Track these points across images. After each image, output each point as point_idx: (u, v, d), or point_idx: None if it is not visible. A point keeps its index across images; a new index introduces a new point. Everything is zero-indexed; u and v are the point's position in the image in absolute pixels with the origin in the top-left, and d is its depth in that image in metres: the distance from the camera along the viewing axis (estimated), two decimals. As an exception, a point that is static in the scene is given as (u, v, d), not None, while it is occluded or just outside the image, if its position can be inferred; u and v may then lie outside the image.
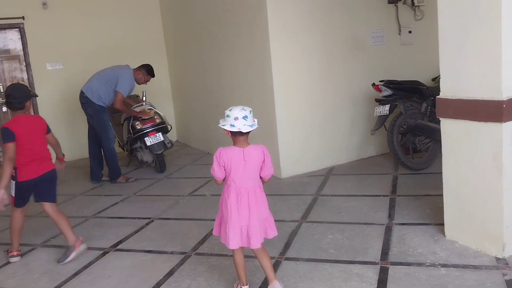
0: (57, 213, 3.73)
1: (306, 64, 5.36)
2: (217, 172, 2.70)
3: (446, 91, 3.19)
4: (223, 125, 2.64)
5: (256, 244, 2.67)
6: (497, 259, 2.99)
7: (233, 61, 5.99)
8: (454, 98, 3.12)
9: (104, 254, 3.73)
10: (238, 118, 2.60)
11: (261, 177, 2.77)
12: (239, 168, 2.65)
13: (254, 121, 2.66)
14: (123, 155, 6.90)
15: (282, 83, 5.21)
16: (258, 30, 5.26)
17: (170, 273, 3.27)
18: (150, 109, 6.19)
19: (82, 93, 5.80)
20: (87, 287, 3.19)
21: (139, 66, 5.97)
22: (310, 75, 5.40)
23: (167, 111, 7.77)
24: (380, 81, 5.10)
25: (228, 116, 2.62)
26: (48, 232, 4.32)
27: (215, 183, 2.81)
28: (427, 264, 3.04)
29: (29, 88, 4.29)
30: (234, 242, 2.66)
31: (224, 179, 2.74)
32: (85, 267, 3.52)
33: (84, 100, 5.79)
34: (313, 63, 5.40)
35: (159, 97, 7.83)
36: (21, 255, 3.81)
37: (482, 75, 2.95)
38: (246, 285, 2.84)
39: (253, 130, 2.64)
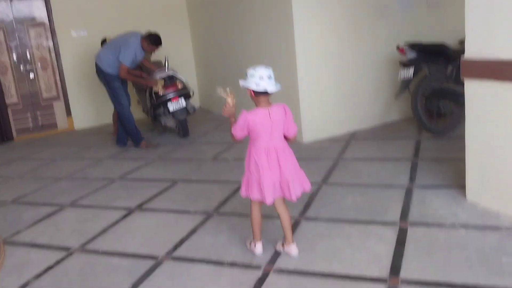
0: None
1: (330, 28, 5.27)
2: (239, 132, 2.70)
3: (472, 51, 3.12)
4: (248, 85, 2.60)
5: (291, 195, 2.72)
6: (518, 220, 2.98)
7: (256, 25, 5.93)
8: (479, 58, 3.05)
9: (129, 213, 3.85)
10: (263, 78, 2.57)
11: (286, 137, 2.78)
12: (266, 129, 2.65)
13: (277, 82, 2.63)
14: (148, 121, 7.00)
15: (305, 47, 5.15)
16: (281, -7, 5.19)
17: (192, 231, 3.37)
18: (172, 75, 6.22)
19: (95, 62, 5.85)
20: (113, 244, 3.32)
21: (145, 35, 5.72)
22: (334, 39, 5.32)
23: (190, 77, 7.81)
24: (405, 43, 4.99)
25: (252, 75, 2.58)
26: (75, 193, 4.47)
27: (233, 141, 2.81)
28: (447, 225, 3.05)
29: None
30: (269, 197, 2.70)
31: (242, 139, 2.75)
32: (111, 225, 3.65)
33: (96, 68, 5.83)
34: (337, 27, 5.31)
35: (181, 63, 7.84)
36: (50, 215, 3.97)
37: (510, 34, 2.86)
38: (260, 241, 2.91)
39: (276, 90, 2.61)
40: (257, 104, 2.68)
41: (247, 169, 2.80)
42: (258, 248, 2.92)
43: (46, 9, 7.40)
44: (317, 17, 5.18)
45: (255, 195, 2.74)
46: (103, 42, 6.46)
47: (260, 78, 2.57)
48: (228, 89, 2.70)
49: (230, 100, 2.68)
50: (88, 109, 7.83)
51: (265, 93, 2.61)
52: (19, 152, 6.63)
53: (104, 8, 7.66)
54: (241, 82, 2.65)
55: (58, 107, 7.70)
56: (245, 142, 2.84)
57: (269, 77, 2.58)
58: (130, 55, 5.59)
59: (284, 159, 2.71)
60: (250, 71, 2.60)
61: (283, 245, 2.93)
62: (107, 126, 7.48)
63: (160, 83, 5.97)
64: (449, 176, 3.84)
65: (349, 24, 5.35)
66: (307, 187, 2.85)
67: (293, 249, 2.86)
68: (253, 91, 2.62)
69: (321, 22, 5.21)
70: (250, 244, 3.00)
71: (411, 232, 3.01)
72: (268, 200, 2.71)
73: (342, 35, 5.35)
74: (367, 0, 5.43)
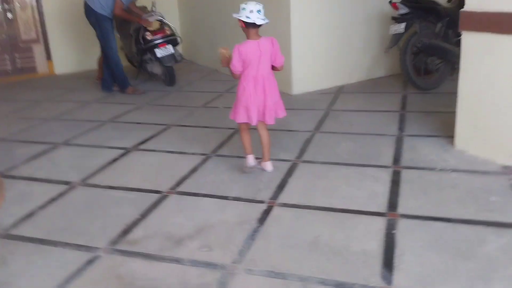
0: None
1: (323, -21, 5.29)
2: (237, 66, 3.04)
3: (472, 3, 3.23)
4: (239, 16, 2.94)
5: (270, 120, 3.18)
6: (504, 166, 3.17)
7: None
8: (479, 10, 3.16)
9: (126, 152, 3.89)
10: (253, 11, 2.92)
11: (273, 67, 3.16)
12: (255, 58, 3.02)
13: (265, 17, 2.97)
14: (131, 68, 6.90)
15: (297, 3, 5.16)
16: None
17: (193, 170, 3.45)
18: (160, 20, 6.13)
19: (85, 2, 5.69)
20: (116, 179, 3.37)
21: None
22: (326, -8, 5.35)
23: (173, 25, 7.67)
24: (398, -1, 5.07)
25: (243, 9, 2.93)
26: (67, 133, 4.45)
27: (233, 76, 3.16)
28: (437, 169, 3.24)
29: None
30: (254, 119, 3.14)
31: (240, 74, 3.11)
32: (110, 163, 3.68)
33: (86, 9, 5.68)
34: (330, -22, 5.32)
35: (164, 11, 7.66)
36: (45, 152, 3.97)
37: (510, -13, 2.98)
38: (251, 154, 3.33)
39: (264, 23, 2.96)
40: (247, 36, 3.04)
41: (236, 96, 3.20)
42: (249, 158, 3.33)
43: None
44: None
45: (240, 118, 3.16)
46: None
47: (251, 12, 2.92)
48: (222, 48, 3.10)
49: (225, 51, 3.08)
50: (70, 54, 7.62)
51: (255, 26, 2.96)
52: (-1, 93, 6.46)
53: None
54: (234, 15, 3.01)
55: (38, 50, 7.47)
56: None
57: (259, 11, 2.94)
58: None
59: (269, 87, 3.12)
60: (242, 5, 2.95)
61: (259, 163, 3.35)
62: (89, 72, 7.31)
63: (156, 24, 5.90)
64: (437, 127, 4.02)
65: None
66: (281, 115, 3.27)
67: (268, 165, 3.32)
68: (244, 23, 2.96)
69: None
70: (245, 166, 3.36)
71: (405, 174, 3.18)
72: (254, 121, 3.14)
73: (335, -12, 5.38)
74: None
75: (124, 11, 5.72)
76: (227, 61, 3.08)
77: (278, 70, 3.20)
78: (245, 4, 2.94)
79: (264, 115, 3.15)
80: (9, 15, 7.17)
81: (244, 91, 3.10)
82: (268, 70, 3.12)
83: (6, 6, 7.13)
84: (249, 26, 2.96)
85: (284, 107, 3.28)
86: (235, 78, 3.18)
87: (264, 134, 3.28)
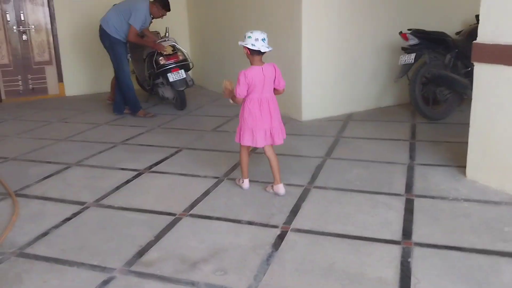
0: None
1: (333, 12, 5.39)
2: (243, 90, 3.21)
3: (484, 36, 3.30)
4: (245, 44, 3.13)
5: (279, 141, 3.32)
6: (516, 197, 3.19)
7: (260, 2, 5.99)
8: (491, 43, 3.23)
9: (139, 174, 3.91)
10: (258, 40, 3.13)
11: (276, 90, 3.33)
12: (260, 82, 3.20)
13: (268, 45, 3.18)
14: (142, 92, 6.99)
15: (310, 27, 5.26)
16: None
17: (206, 193, 3.47)
18: (173, 45, 6.25)
19: (100, 26, 5.82)
20: (129, 201, 3.39)
21: (154, 0, 5.81)
22: (336, 23, 5.45)
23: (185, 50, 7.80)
24: (408, 30, 5.17)
25: (249, 37, 3.13)
26: (79, 154, 4.49)
27: (235, 102, 3.34)
28: (450, 198, 3.25)
29: None
30: (261, 142, 3.28)
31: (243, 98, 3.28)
32: (123, 184, 3.70)
33: (102, 33, 5.81)
34: (340, 11, 5.43)
35: (176, 36, 7.81)
36: (57, 172, 4.00)
37: (522, 21, 3.05)
38: (247, 178, 3.49)
39: (268, 51, 3.15)
40: (251, 62, 3.23)
41: (241, 119, 3.32)
42: (245, 183, 3.49)
43: (43, -29, 7.25)
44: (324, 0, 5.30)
45: (246, 141, 3.28)
46: None
47: (256, 40, 3.13)
48: (227, 80, 3.34)
49: (228, 84, 3.32)
50: (81, 76, 7.74)
51: (259, 53, 3.16)
52: (10, 113, 6.53)
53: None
54: (240, 42, 3.19)
55: (50, 72, 7.59)
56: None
57: (263, 40, 3.15)
58: (141, 19, 5.63)
59: (274, 108, 3.29)
60: (248, 34, 3.16)
61: (272, 187, 3.42)
62: (99, 95, 7.44)
63: (169, 49, 6.00)
64: (447, 156, 4.04)
65: (352, 7, 5.48)
66: (284, 136, 3.40)
67: (280, 188, 3.37)
68: (249, 50, 3.15)
69: (326, 4, 5.32)
70: (239, 180, 3.55)
71: (418, 203, 3.19)
72: (260, 144, 3.28)
73: (343, 18, 5.47)
74: (373, -14, 5.58)
75: (138, 38, 5.85)
76: (230, 93, 3.31)
77: (280, 93, 3.38)
78: (251, 32, 3.15)
79: (273, 137, 3.29)
80: (24, 37, 7.32)
81: (250, 114, 3.24)
82: (271, 92, 3.30)
83: (21, 28, 7.29)
84: (254, 54, 3.17)
85: (285, 131, 3.43)
86: (238, 104, 3.35)
87: (272, 157, 3.36)
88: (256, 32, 3.15)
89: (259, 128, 3.25)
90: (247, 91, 3.22)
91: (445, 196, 3.27)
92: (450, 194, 3.31)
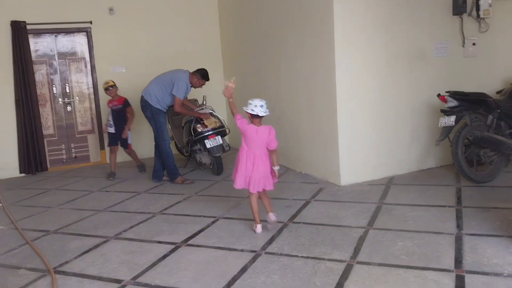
0: None
1: (369, 74, 5.40)
2: (239, 118, 3.95)
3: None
4: (247, 109, 3.85)
5: (252, 190, 3.94)
6: None
7: (295, 70, 6.08)
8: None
9: (176, 248, 3.87)
10: (257, 106, 3.85)
11: (270, 149, 3.92)
12: (251, 139, 3.90)
13: (267, 110, 3.88)
14: (180, 157, 7.09)
15: (344, 93, 5.27)
16: (324, 42, 5.35)
17: (243, 269, 3.37)
18: (210, 113, 6.38)
19: (142, 97, 6.03)
20: (165, 279, 3.32)
21: (195, 71, 6.06)
22: (373, 85, 5.44)
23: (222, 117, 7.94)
24: (446, 92, 5.09)
25: (250, 104, 3.86)
26: (118, 226, 4.51)
27: (229, 105, 4.10)
28: (504, 274, 3.02)
29: None
30: (238, 184, 3.97)
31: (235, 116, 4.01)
32: (160, 259, 3.66)
33: (144, 104, 6.02)
34: (376, 73, 5.43)
35: (213, 102, 7.99)
36: (96, 247, 4.01)
37: None
38: (259, 223, 4.02)
39: (265, 115, 3.85)
40: (252, 122, 3.92)
41: (235, 165, 4.05)
42: (258, 228, 4.02)
43: (88, 45, 7.69)
44: (357, 64, 5.31)
45: (238, 184, 3.97)
46: None
47: (255, 106, 3.85)
48: (233, 78, 4.07)
49: (231, 84, 4.00)
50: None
51: (258, 116, 3.87)
52: (54, 182, 6.73)
53: (142, 46, 7.93)
54: (244, 108, 3.88)
55: (92, 140, 7.86)
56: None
57: (261, 106, 3.86)
58: (184, 89, 5.85)
59: (258, 163, 3.90)
60: (249, 101, 3.86)
61: (255, 226, 4.04)
62: (142, 160, 7.58)
63: (213, 119, 6.16)
64: (497, 225, 3.82)
65: (389, 69, 5.49)
66: (268, 187, 4.01)
67: (271, 215, 4.01)
68: (250, 114, 3.87)
69: (360, 70, 5.34)
70: (254, 226, 4.04)
71: (469, 281, 2.98)
72: (236, 186, 3.98)
73: (379, 82, 5.46)
74: (408, 48, 5.58)
75: (183, 108, 6.03)
76: (229, 94, 4.00)
77: (273, 150, 3.95)
78: (252, 100, 3.88)
79: (249, 184, 3.92)
80: (69, 108, 7.66)
81: (238, 159, 4.00)
82: (260, 150, 3.92)
83: (66, 99, 7.64)
84: (254, 117, 3.89)
85: (272, 182, 4.02)
86: (231, 109, 4.07)
87: (262, 196, 4.04)
88: (256, 100, 3.87)
89: (241, 173, 3.94)
90: (243, 138, 3.94)
91: (499, 272, 3.04)
92: (505, 269, 3.08)
